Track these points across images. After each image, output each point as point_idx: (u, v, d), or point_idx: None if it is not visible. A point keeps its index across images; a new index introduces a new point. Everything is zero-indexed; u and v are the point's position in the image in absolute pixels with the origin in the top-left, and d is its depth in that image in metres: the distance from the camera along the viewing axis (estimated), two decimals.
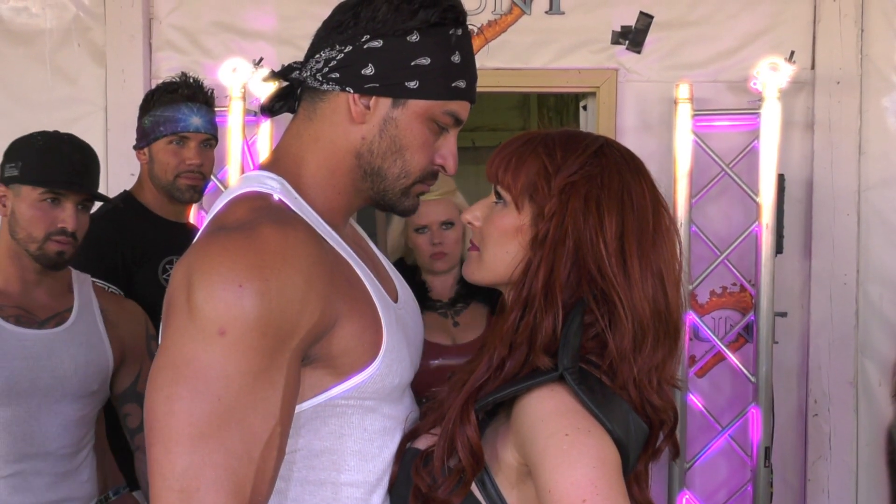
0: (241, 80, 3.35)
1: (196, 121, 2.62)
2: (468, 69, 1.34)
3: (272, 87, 1.39)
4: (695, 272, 3.43)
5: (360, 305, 1.26)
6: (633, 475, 1.28)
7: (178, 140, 2.62)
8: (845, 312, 3.52)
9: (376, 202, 1.37)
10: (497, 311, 1.43)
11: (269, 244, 1.16)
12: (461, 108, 1.34)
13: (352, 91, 1.29)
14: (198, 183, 2.66)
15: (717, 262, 3.43)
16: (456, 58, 1.31)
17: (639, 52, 3.57)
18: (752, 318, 3.41)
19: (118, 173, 3.41)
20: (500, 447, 1.24)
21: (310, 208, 1.30)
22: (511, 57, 3.55)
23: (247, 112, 3.35)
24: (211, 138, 2.69)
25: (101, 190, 3.39)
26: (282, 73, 1.37)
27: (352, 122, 1.30)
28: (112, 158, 3.51)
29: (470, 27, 1.37)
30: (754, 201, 3.37)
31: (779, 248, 3.36)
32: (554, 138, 1.33)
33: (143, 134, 2.66)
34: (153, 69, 3.56)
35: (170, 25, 3.58)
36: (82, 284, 2.23)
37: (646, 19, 3.56)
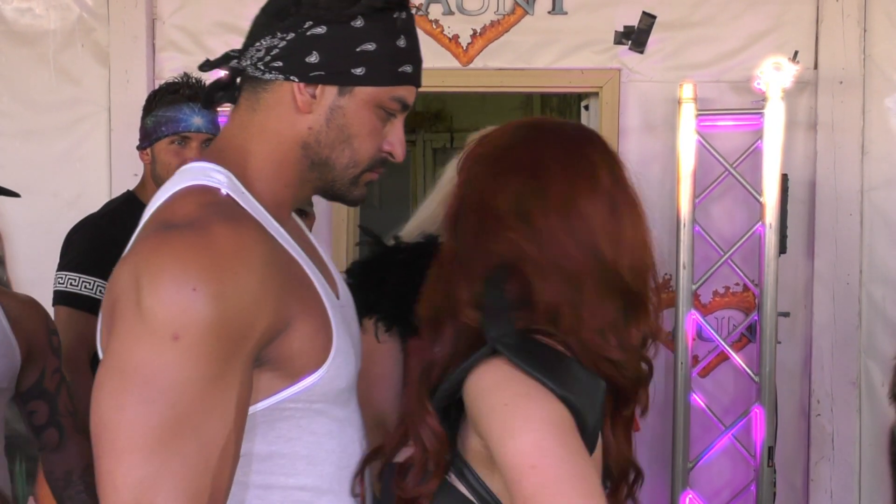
0: None
1: (198, 121, 2.63)
2: (414, 53, 1.30)
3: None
4: (698, 272, 3.43)
5: (311, 306, 1.23)
6: (620, 422, 1.26)
7: (180, 140, 2.62)
8: (848, 313, 3.51)
9: (324, 192, 1.33)
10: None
11: (223, 244, 1.11)
12: (408, 93, 1.30)
13: (296, 80, 1.25)
14: None
15: (721, 261, 3.43)
16: (402, 42, 1.27)
17: (642, 53, 3.57)
18: (756, 318, 3.41)
19: (121, 174, 3.41)
20: (467, 435, 1.22)
21: (257, 203, 1.25)
22: (514, 57, 3.55)
23: None
24: (213, 138, 2.68)
25: (104, 190, 3.44)
26: (219, 62, 1.33)
27: (297, 112, 1.26)
28: (115, 159, 3.52)
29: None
30: (758, 201, 3.36)
31: (782, 248, 3.35)
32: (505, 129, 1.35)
33: (146, 134, 2.66)
34: (157, 70, 3.56)
35: (173, 26, 3.58)
36: None
37: (649, 19, 3.55)
